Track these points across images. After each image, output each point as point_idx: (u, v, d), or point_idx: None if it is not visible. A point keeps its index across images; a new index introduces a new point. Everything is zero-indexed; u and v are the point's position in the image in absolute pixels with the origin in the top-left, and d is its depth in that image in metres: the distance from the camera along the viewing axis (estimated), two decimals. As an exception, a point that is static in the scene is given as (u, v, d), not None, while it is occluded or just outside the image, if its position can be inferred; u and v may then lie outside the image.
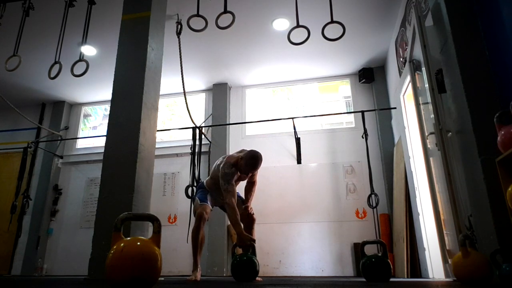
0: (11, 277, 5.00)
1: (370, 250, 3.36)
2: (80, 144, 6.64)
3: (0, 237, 5.96)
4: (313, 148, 5.61)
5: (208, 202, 3.17)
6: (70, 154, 6.51)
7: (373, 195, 4.28)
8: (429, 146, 3.09)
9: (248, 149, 3.08)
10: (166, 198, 5.83)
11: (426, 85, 2.96)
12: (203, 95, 6.41)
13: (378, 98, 5.60)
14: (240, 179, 3.15)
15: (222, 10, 3.20)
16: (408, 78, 3.89)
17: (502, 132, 1.80)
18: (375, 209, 4.31)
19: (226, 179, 2.94)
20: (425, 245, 3.78)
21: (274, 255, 5.19)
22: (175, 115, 6.69)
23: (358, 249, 4.59)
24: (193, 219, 3.15)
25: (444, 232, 2.80)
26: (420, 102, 3.33)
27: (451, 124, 2.63)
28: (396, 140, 5.09)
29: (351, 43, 5.08)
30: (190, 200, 4.47)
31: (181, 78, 4.58)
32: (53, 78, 3.34)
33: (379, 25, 4.76)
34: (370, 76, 5.70)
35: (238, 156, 3.05)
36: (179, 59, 4.54)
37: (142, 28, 3.18)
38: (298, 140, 5.47)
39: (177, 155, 5.98)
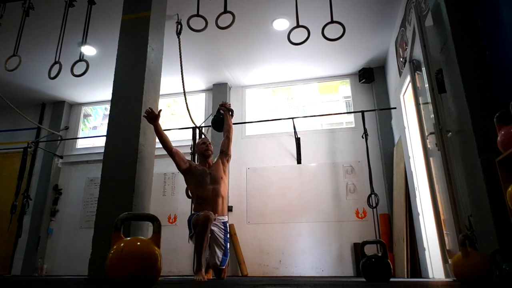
0: (11, 277, 5.00)
1: (370, 250, 3.35)
2: (80, 144, 6.64)
3: (0, 237, 5.96)
4: (313, 148, 5.60)
5: None
6: (70, 154, 6.51)
7: (373, 195, 4.28)
8: (429, 146, 3.09)
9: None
10: (166, 198, 5.83)
11: (426, 85, 2.96)
12: (203, 95, 6.41)
13: (378, 98, 5.60)
14: (206, 159, 3.43)
15: (222, 10, 3.20)
16: (408, 78, 3.89)
17: (502, 132, 1.80)
18: (375, 209, 4.31)
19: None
20: (425, 245, 3.78)
21: (274, 255, 5.19)
22: (175, 115, 6.69)
23: (358, 249, 4.59)
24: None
25: (444, 232, 2.81)
26: (420, 102, 3.33)
27: (451, 124, 2.63)
28: (396, 140, 5.09)
29: (351, 43, 5.07)
30: (190, 200, 4.47)
31: (181, 78, 4.58)
32: (53, 78, 3.34)
33: (379, 25, 4.76)
34: (370, 76, 5.70)
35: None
36: (179, 59, 4.53)
37: (142, 28, 3.18)
38: (298, 140, 5.46)
39: (177, 155, 5.96)
